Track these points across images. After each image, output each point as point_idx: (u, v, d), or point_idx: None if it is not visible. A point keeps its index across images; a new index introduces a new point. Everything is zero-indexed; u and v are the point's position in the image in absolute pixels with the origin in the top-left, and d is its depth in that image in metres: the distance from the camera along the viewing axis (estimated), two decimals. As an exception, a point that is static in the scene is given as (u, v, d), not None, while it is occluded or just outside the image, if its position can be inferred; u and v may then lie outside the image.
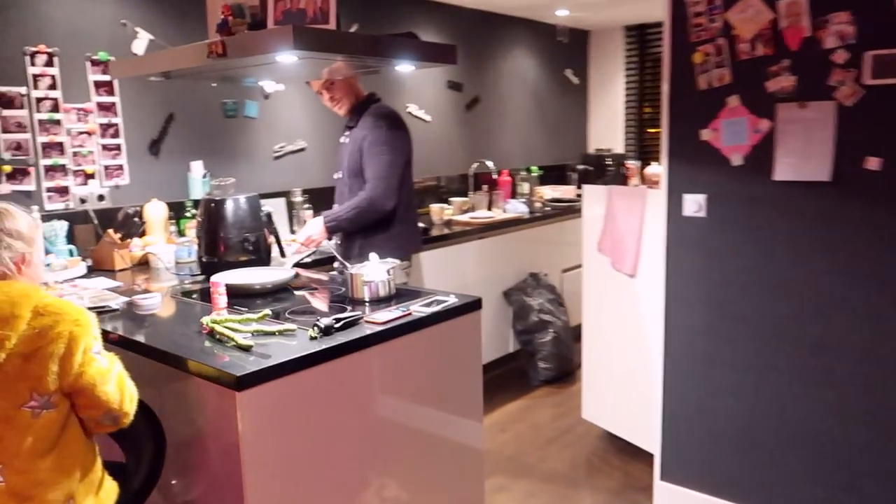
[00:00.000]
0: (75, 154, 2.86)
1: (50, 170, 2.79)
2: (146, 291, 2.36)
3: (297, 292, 2.36)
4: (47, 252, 2.67)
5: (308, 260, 2.88)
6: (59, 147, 2.81)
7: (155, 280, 2.70)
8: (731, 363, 2.46)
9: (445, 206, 4.08)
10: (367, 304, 2.11)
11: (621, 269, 2.93)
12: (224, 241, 2.54)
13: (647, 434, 2.85)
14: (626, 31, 5.61)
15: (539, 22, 5.23)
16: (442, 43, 1.99)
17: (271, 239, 2.72)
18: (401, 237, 2.73)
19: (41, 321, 1.33)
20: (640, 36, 5.58)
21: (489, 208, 4.30)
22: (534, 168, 5.06)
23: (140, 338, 1.85)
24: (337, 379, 1.76)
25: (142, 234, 2.97)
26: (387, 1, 4.09)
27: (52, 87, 2.77)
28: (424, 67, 2.35)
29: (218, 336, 1.78)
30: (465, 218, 4.04)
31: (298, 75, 2.62)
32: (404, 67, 2.13)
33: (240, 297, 2.27)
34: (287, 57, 1.72)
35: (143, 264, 2.88)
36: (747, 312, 2.40)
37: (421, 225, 3.60)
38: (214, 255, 2.55)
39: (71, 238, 2.83)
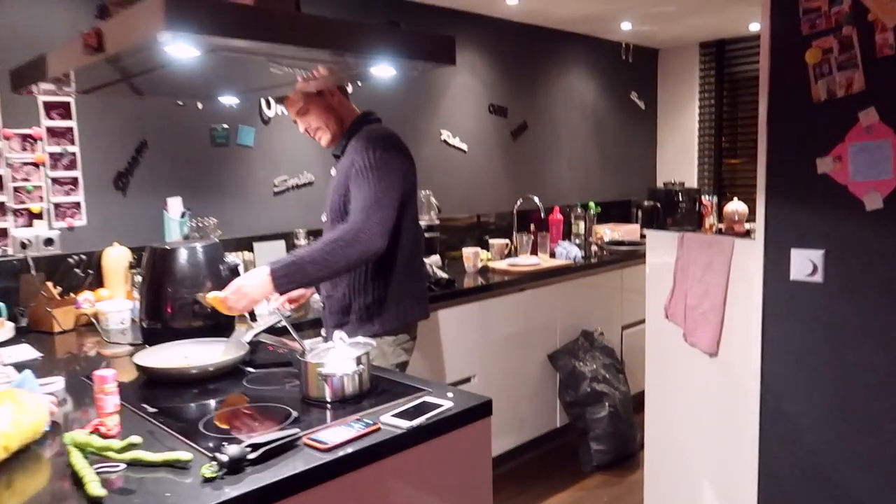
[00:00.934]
0: (17, 190, 2.37)
1: (-16, 208, 2.31)
2: (48, 372, 1.80)
3: (254, 372, 1.75)
4: (-35, 311, 2.16)
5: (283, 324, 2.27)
6: (-3, 181, 2.32)
7: (104, 346, 2.15)
8: (864, 498, 1.69)
9: (481, 250, 3.42)
10: (328, 406, 1.48)
11: (696, 345, 2.20)
12: (171, 302, 1.97)
13: (735, 574, 2.08)
14: (701, 48, 4.88)
15: (599, 38, 4.57)
16: (433, 34, 1.38)
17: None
18: (403, 301, 2.05)
19: None
20: (719, 53, 4.83)
21: (534, 252, 3.62)
22: (591, 204, 4.36)
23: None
24: (245, 545, 1.12)
25: (93, 288, 2.44)
26: (422, 13, 3.52)
27: (-10, 108, 2.30)
28: (415, 70, 1.74)
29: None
30: (503, 265, 3.37)
31: (270, 87, 2.04)
32: (382, 70, 1.51)
33: (170, 385, 1.68)
34: (181, 48, 1.14)
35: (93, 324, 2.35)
36: (888, 424, 1.64)
37: (442, 275, 2.95)
38: (158, 319, 1.98)
39: (6, 293, 2.32)
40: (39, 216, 2.42)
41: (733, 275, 2.05)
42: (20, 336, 2.23)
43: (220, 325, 2.03)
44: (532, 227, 3.91)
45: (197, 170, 2.80)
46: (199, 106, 2.77)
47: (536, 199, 3.78)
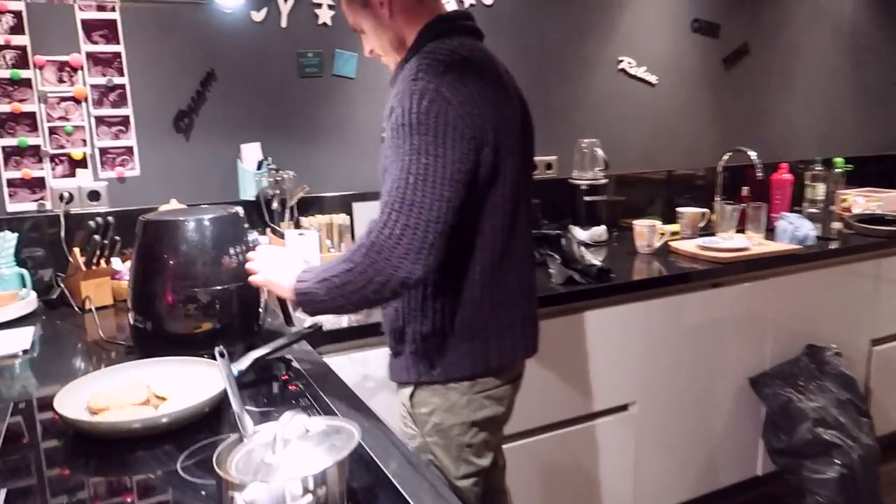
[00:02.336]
0: (54, 131, 1.94)
1: (14, 153, 1.90)
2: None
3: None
4: (-28, 279, 1.78)
5: (332, 326, 1.62)
6: (29, 119, 1.90)
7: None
8: None
9: (660, 224, 2.47)
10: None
11: None
12: (161, 296, 1.39)
13: None
14: None
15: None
16: None
17: (264, 295, 1.52)
18: (482, 334, 1.28)
19: None
20: None
21: (742, 227, 2.59)
22: (838, 160, 3.12)
23: None
24: None
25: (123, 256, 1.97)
26: None
27: (17, 28, 1.86)
28: None
29: None
30: (691, 246, 2.40)
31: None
32: None
33: (104, 442, 1.09)
34: None
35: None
36: None
37: (592, 261, 2.08)
38: (148, 315, 1.41)
39: (42, 257, 1.93)
40: (83, 164, 1.98)
41: None
42: (45, 312, 1.83)
43: (231, 330, 1.43)
44: (745, 190, 2.85)
45: (280, 108, 2.20)
46: (283, 24, 2.14)
47: (753, 154, 2.70)
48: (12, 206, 1.92)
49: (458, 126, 1.14)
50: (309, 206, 2.23)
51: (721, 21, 2.95)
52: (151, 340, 1.42)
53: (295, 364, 1.41)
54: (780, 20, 3.12)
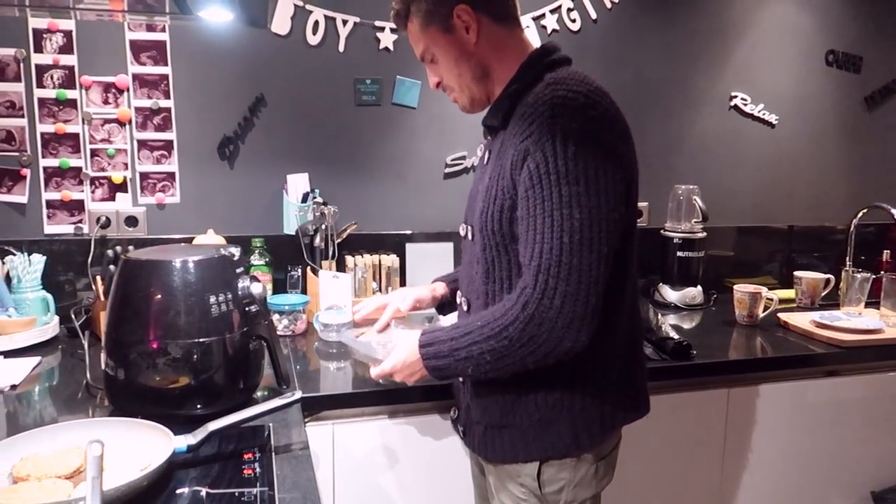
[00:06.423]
0: (96, 153, 1.88)
1: (54, 174, 1.86)
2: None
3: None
4: (-4, 303, 1.72)
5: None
6: (72, 140, 1.86)
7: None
8: None
9: (768, 292, 2.05)
10: None
11: None
12: (138, 346, 1.23)
13: None
14: None
15: None
16: None
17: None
18: (611, 395, 1.15)
19: None
20: None
21: (877, 299, 2.11)
22: None
23: None
24: None
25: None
26: None
27: (66, 48, 1.82)
28: None
29: None
30: (804, 321, 1.97)
31: None
32: None
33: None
34: None
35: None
36: None
37: (671, 333, 1.72)
38: (120, 366, 1.26)
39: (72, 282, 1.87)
40: (123, 188, 1.91)
41: None
42: (67, 339, 1.75)
43: (217, 391, 1.25)
44: (884, 256, 2.37)
45: (332, 137, 2.04)
46: (341, 48, 1.99)
47: (894, 211, 2.22)
48: (50, 228, 1.87)
49: (609, 169, 1.02)
50: (357, 244, 2.05)
51: (864, 53, 2.49)
52: (123, 391, 1.26)
53: (270, 436, 1.20)
54: (943, 53, 2.60)
